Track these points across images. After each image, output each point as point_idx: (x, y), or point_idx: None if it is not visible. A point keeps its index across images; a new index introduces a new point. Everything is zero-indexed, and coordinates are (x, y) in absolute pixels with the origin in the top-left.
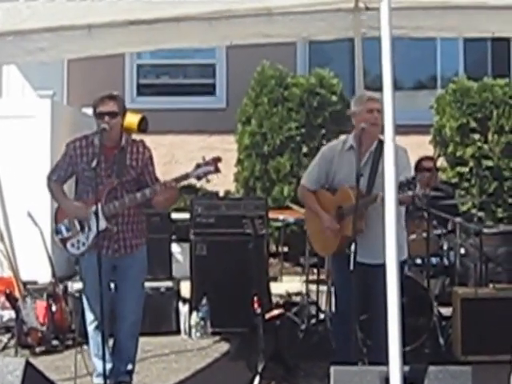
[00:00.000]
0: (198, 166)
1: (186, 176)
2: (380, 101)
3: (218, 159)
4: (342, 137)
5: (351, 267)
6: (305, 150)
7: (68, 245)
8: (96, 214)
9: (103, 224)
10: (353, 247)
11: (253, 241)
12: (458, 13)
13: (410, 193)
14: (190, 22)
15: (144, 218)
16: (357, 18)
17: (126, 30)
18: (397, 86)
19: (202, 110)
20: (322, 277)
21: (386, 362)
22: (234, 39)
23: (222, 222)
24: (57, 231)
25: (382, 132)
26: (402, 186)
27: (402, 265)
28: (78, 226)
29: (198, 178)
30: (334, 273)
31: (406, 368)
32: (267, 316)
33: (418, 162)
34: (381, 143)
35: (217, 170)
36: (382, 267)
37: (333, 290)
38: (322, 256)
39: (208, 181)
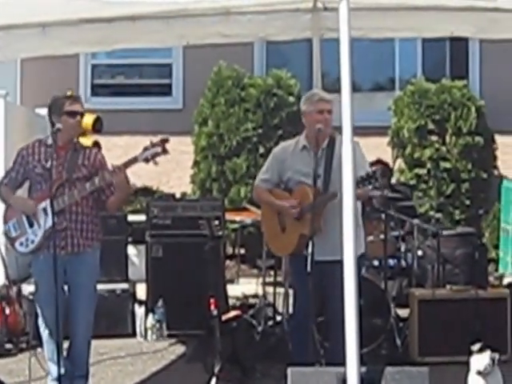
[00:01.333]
0: (146, 148)
1: (135, 159)
2: (331, 101)
3: (165, 140)
4: (295, 138)
5: (308, 269)
6: (261, 150)
7: (16, 244)
8: (45, 210)
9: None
10: (310, 248)
11: (209, 242)
12: (416, 13)
13: (370, 187)
14: (146, 21)
15: (97, 221)
16: (315, 19)
17: (80, 29)
18: (355, 88)
19: (158, 110)
20: (279, 279)
21: (343, 363)
22: (191, 39)
23: (179, 224)
24: (5, 231)
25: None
26: (362, 181)
27: (359, 259)
28: (26, 224)
29: (146, 160)
30: (292, 274)
31: (363, 369)
32: (224, 318)
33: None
34: (332, 139)
35: (164, 151)
36: (340, 263)
37: (291, 291)
38: (280, 256)
39: (156, 163)
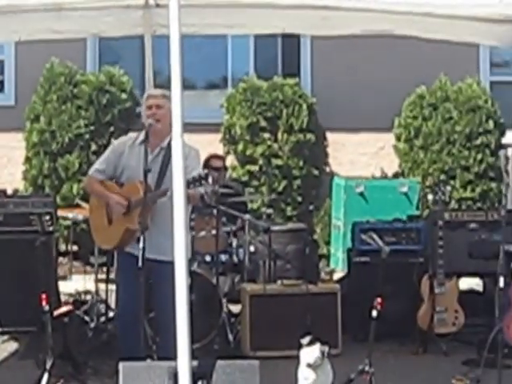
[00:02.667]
0: None
1: None
2: (161, 95)
3: None
4: (135, 133)
5: (140, 264)
6: (94, 147)
7: None
8: None
9: None
10: (141, 244)
11: (40, 238)
12: (248, 10)
13: (201, 189)
14: None
15: None
16: (147, 15)
17: None
18: (189, 85)
19: None
20: (112, 275)
21: (175, 358)
22: (23, 35)
23: (10, 220)
24: None
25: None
26: (192, 182)
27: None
28: None
29: None
30: (119, 270)
31: (195, 363)
32: (55, 313)
33: (207, 161)
34: None
35: None
36: (169, 264)
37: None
38: (113, 253)
39: None
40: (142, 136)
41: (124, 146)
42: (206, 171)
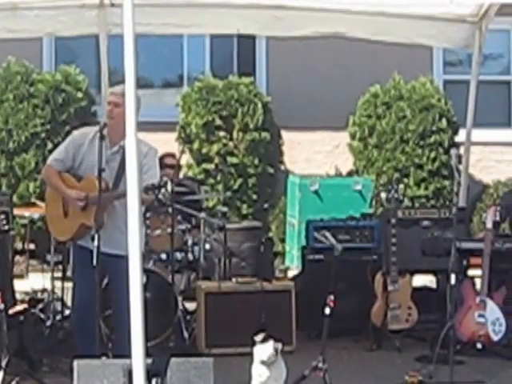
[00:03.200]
0: None
1: None
2: (119, 94)
3: None
4: (97, 126)
5: (94, 262)
6: (50, 146)
7: None
8: None
9: None
10: (95, 242)
11: None
12: (203, 10)
13: (160, 196)
14: None
15: None
16: (102, 15)
17: None
18: (145, 84)
19: None
20: (69, 273)
21: (130, 356)
22: None
23: None
24: None
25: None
26: (151, 189)
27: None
28: None
29: None
30: (75, 266)
31: (149, 360)
32: (11, 311)
33: (161, 159)
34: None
35: None
36: (124, 258)
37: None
38: (69, 251)
39: None
40: (104, 131)
41: (84, 139)
42: (165, 179)
